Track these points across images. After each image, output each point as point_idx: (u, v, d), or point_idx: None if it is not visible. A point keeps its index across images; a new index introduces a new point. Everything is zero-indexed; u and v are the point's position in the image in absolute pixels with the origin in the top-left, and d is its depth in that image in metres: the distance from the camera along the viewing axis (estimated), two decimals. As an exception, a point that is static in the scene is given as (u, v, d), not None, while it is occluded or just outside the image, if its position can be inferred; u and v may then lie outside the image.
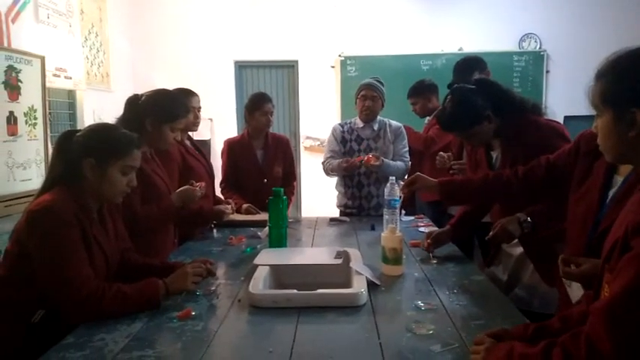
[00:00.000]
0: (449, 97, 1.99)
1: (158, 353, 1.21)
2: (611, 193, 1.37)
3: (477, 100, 1.92)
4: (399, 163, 2.93)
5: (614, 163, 1.04)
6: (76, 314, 1.38)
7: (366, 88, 2.95)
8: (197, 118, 2.66)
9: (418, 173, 2.00)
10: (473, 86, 2.01)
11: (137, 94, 2.09)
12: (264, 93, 3.12)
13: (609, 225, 1.23)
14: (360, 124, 3.00)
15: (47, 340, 1.28)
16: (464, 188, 1.93)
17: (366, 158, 2.81)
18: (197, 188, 2.19)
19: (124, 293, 1.43)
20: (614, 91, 0.97)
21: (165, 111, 2.06)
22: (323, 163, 3.04)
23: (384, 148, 2.95)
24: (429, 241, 2.06)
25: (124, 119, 2.03)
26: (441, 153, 2.97)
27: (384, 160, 2.83)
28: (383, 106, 2.99)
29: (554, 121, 1.94)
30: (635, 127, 0.93)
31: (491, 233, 1.85)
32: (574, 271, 1.29)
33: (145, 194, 2.00)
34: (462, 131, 2.04)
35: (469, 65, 3.00)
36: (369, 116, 2.96)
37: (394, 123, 3.05)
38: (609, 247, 0.97)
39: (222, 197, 2.87)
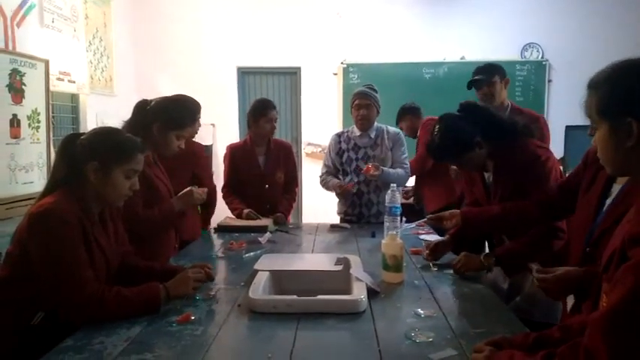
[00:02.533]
0: (437, 126, 2.00)
1: (157, 357, 1.21)
2: (608, 201, 1.39)
3: (465, 127, 1.92)
4: (399, 170, 2.92)
5: (615, 175, 1.04)
6: (76, 316, 1.39)
7: (360, 97, 2.93)
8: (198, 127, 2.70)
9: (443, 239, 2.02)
10: (460, 113, 2.01)
11: (146, 99, 2.12)
12: (269, 100, 3.11)
13: (602, 233, 1.30)
14: (357, 132, 2.99)
15: (46, 343, 1.28)
16: (482, 215, 1.94)
17: (365, 168, 2.80)
18: (198, 191, 2.20)
19: (124, 296, 1.44)
20: (609, 103, 0.97)
21: (174, 118, 2.09)
22: (320, 177, 3.06)
23: (381, 155, 2.93)
24: (427, 252, 2.06)
25: (131, 122, 2.05)
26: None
27: (384, 169, 2.82)
28: (378, 112, 2.97)
29: (542, 147, 1.94)
30: (632, 137, 0.92)
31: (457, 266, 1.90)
32: (549, 277, 1.35)
33: (147, 198, 2.00)
34: (454, 159, 2.06)
35: (490, 70, 3.03)
36: (364, 125, 2.95)
37: (392, 129, 3.04)
38: (607, 258, 0.97)
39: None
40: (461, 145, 1.93)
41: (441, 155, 2.07)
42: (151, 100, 2.11)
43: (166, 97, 2.17)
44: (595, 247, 1.35)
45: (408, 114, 3.81)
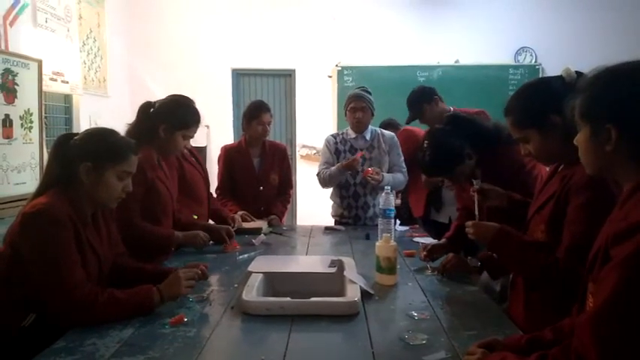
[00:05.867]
0: (425, 142, 2.01)
1: (149, 359, 1.20)
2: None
3: (454, 142, 1.95)
4: (398, 175, 2.92)
5: (595, 176, 1.09)
6: (68, 318, 1.38)
7: (355, 100, 2.92)
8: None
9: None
10: (447, 126, 2.04)
11: (150, 102, 2.13)
12: (264, 102, 3.10)
13: (528, 221, 1.54)
14: (353, 134, 2.98)
15: (38, 344, 1.27)
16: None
17: (364, 171, 2.79)
18: (205, 235, 2.24)
19: (116, 299, 1.43)
20: (590, 107, 0.99)
21: (180, 118, 2.11)
22: (318, 174, 2.99)
23: (378, 158, 2.93)
24: (424, 253, 2.07)
25: (136, 125, 2.06)
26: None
27: (384, 175, 2.81)
28: (373, 114, 2.97)
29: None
30: (611, 142, 0.94)
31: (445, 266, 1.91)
32: (470, 223, 1.61)
33: (146, 200, 2.01)
34: (446, 174, 2.09)
35: (414, 101, 3.23)
36: (360, 127, 2.94)
37: (387, 132, 3.05)
38: (591, 258, 0.98)
39: (223, 209, 2.84)
40: (451, 160, 1.97)
41: (432, 171, 2.11)
42: (154, 102, 2.13)
43: (169, 99, 2.17)
44: (525, 230, 1.54)
45: (387, 129, 3.76)
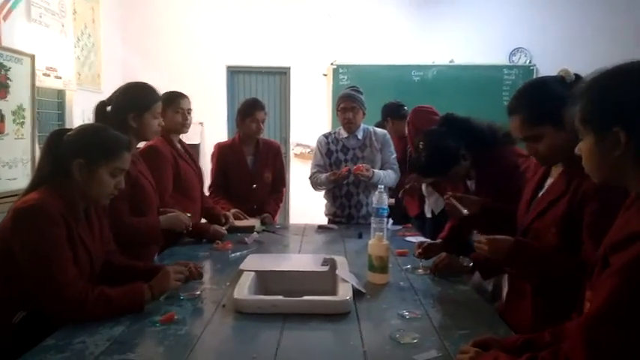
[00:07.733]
0: (421, 143, 2.01)
1: (139, 357, 1.20)
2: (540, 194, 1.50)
3: (449, 143, 1.95)
4: (389, 172, 2.93)
5: (601, 184, 1.02)
6: (59, 315, 1.37)
7: (345, 100, 2.93)
8: (186, 119, 2.66)
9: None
10: (442, 127, 2.03)
11: (103, 101, 2.04)
12: (258, 100, 3.09)
13: (530, 223, 1.47)
14: (345, 134, 2.99)
15: (27, 342, 1.26)
16: (500, 213, 1.79)
17: (355, 167, 2.80)
18: (186, 216, 2.21)
19: (107, 296, 1.42)
20: (593, 112, 0.94)
21: (142, 101, 2.05)
22: (310, 178, 3.02)
23: (370, 156, 2.94)
24: (420, 251, 2.07)
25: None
26: None
27: (374, 171, 2.82)
28: (364, 114, 2.97)
29: (524, 155, 1.92)
30: (620, 146, 0.89)
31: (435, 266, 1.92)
32: (482, 239, 1.49)
33: (132, 196, 1.99)
34: (441, 175, 2.08)
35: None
36: (351, 127, 2.95)
37: (379, 130, 3.06)
38: (593, 266, 0.98)
39: (216, 207, 2.82)
40: (447, 161, 1.96)
41: (428, 173, 2.11)
42: (107, 100, 2.05)
43: (123, 88, 2.10)
44: (525, 234, 1.50)
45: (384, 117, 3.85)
